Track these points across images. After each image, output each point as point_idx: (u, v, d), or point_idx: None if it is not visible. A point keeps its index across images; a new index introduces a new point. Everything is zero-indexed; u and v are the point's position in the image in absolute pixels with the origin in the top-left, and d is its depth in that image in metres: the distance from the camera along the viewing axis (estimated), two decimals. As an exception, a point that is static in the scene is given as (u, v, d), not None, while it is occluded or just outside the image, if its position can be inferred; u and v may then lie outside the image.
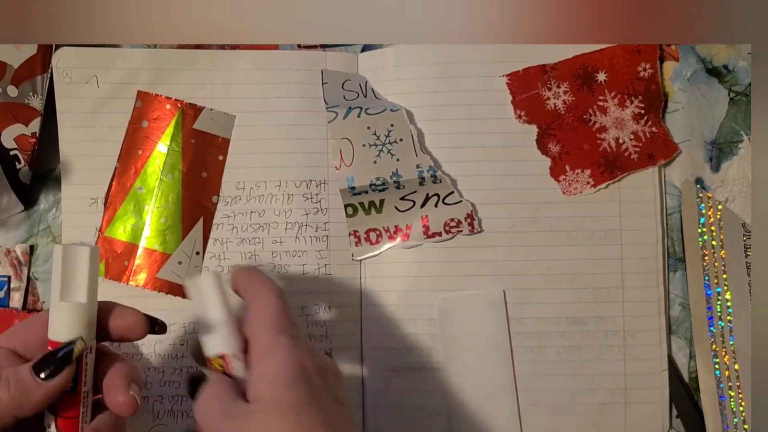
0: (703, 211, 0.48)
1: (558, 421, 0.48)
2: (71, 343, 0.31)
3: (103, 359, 0.34)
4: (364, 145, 0.48)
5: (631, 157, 0.48)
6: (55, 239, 0.50)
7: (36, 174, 0.50)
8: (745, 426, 0.47)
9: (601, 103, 0.49)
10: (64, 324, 0.32)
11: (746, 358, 0.47)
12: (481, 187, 0.49)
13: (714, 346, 0.48)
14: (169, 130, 0.49)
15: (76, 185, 0.49)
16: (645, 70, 0.49)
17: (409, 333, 0.49)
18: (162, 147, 0.49)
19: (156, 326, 0.34)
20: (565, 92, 0.49)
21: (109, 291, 0.48)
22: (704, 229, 0.48)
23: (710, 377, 0.48)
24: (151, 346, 0.48)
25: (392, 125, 0.47)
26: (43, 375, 0.30)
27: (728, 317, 0.48)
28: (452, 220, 0.48)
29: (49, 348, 0.32)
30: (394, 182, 0.48)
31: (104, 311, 0.34)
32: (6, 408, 0.30)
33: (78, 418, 0.32)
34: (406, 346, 0.49)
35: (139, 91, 0.49)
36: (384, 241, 0.49)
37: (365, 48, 0.50)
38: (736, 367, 0.47)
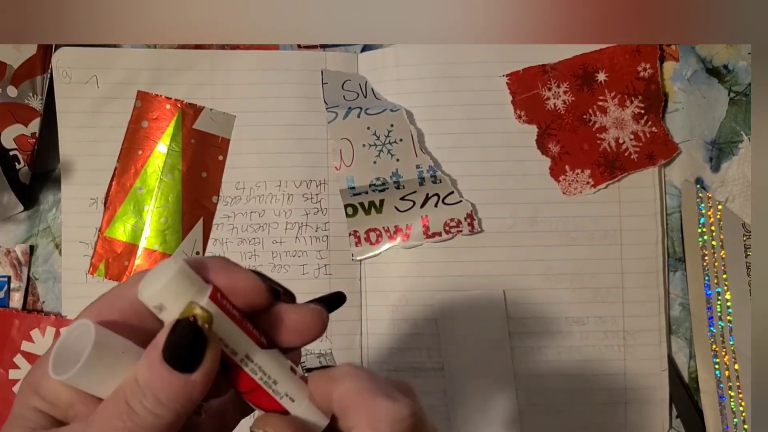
0: (703, 211, 0.48)
1: (558, 421, 0.48)
2: (190, 318, 0.21)
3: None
4: (364, 146, 0.48)
5: (631, 157, 0.48)
6: (55, 239, 0.50)
7: (36, 174, 0.50)
8: (745, 426, 0.47)
9: (601, 103, 0.49)
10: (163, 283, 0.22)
11: (746, 358, 0.47)
12: (481, 187, 0.49)
13: (714, 346, 0.48)
14: (169, 130, 0.49)
15: (76, 185, 0.49)
16: (645, 70, 0.49)
17: (409, 333, 0.49)
18: (162, 147, 0.49)
19: (280, 292, 0.25)
20: (565, 92, 0.49)
21: (109, 291, 0.48)
22: (704, 229, 0.48)
23: (710, 377, 0.48)
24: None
25: (392, 125, 0.47)
26: (183, 365, 0.21)
27: (728, 317, 0.48)
28: (452, 220, 0.48)
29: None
30: (394, 182, 0.48)
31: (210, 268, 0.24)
32: (172, 423, 0.21)
33: (258, 386, 0.23)
34: (406, 346, 0.49)
35: (139, 91, 0.49)
36: (384, 241, 0.49)
37: (365, 48, 0.50)
38: (736, 367, 0.47)
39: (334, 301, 0.27)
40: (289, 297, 0.25)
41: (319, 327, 0.24)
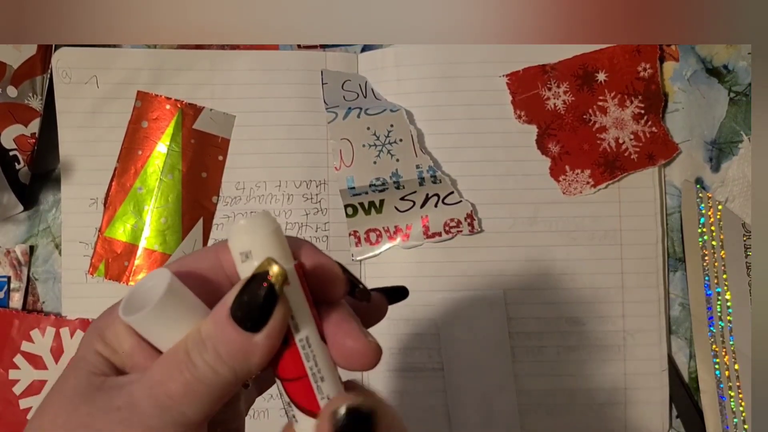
0: (703, 211, 0.48)
1: (558, 422, 0.48)
2: (264, 273, 0.21)
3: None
4: (363, 146, 0.48)
5: (631, 157, 0.48)
6: (55, 239, 0.50)
7: (36, 174, 0.50)
8: (745, 426, 0.47)
9: (601, 103, 0.49)
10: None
11: (746, 358, 0.47)
12: (481, 187, 0.49)
13: (714, 346, 0.48)
14: (169, 130, 0.49)
15: (76, 185, 0.49)
16: (645, 70, 0.49)
17: (409, 333, 0.49)
18: (162, 147, 0.49)
19: (357, 289, 0.24)
20: (565, 92, 0.49)
21: (109, 291, 0.48)
22: (704, 229, 0.48)
23: (710, 377, 0.48)
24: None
25: (392, 125, 0.47)
26: (249, 324, 0.20)
27: (728, 317, 0.48)
28: (452, 220, 0.48)
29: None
30: (394, 182, 0.48)
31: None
32: (229, 384, 0.21)
33: (306, 376, 0.22)
34: (406, 346, 0.49)
35: (138, 92, 0.49)
36: (384, 242, 0.49)
37: (365, 48, 0.50)
38: (736, 367, 0.47)
39: (397, 293, 0.27)
40: (364, 295, 0.24)
41: (369, 364, 0.23)
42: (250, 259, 0.21)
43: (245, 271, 0.21)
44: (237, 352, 0.20)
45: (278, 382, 0.23)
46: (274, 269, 0.20)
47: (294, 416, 0.23)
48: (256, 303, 0.20)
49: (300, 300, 0.22)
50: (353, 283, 0.24)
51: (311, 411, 0.22)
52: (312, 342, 0.22)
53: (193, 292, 0.22)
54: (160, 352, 0.22)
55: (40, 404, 0.22)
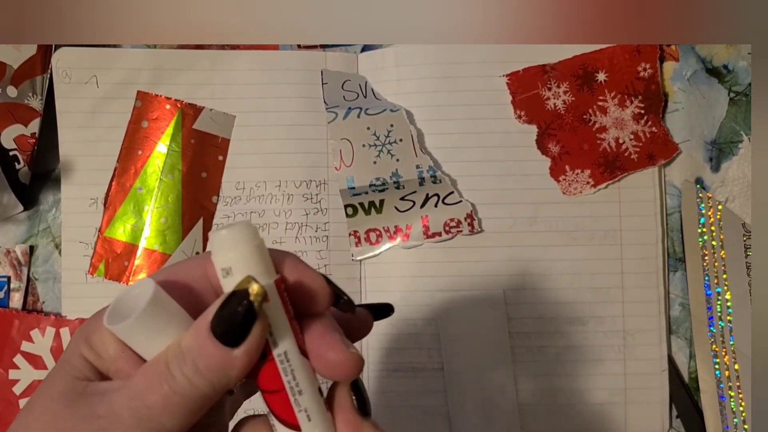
0: (703, 211, 0.48)
1: (558, 421, 0.48)
2: (242, 290, 0.21)
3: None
4: (363, 146, 0.48)
5: (631, 157, 0.48)
6: (55, 239, 0.50)
7: (36, 174, 0.50)
8: (745, 426, 0.47)
9: (601, 103, 0.49)
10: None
11: (746, 358, 0.47)
12: (481, 187, 0.49)
13: (714, 346, 0.48)
14: (169, 130, 0.49)
15: (76, 185, 0.49)
16: (645, 70, 0.49)
17: (409, 333, 0.49)
18: (162, 147, 0.49)
19: (341, 300, 0.25)
20: (565, 92, 0.49)
21: (109, 291, 0.48)
22: (704, 229, 0.48)
23: (710, 377, 0.48)
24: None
25: (392, 125, 0.47)
26: (228, 339, 0.21)
27: (728, 317, 0.48)
28: (452, 220, 0.48)
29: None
30: (394, 182, 0.48)
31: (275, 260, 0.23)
32: (207, 397, 0.22)
33: (283, 389, 0.23)
34: (406, 346, 0.49)
35: (138, 91, 0.49)
36: (384, 242, 0.49)
37: (365, 48, 0.50)
38: (736, 367, 0.47)
39: (382, 310, 0.27)
40: (348, 306, 0.25)
41: (350, 375, 0.23)
42: (231, 275, 0.22)
43: (227, 285, 0.22)
44: (215, 366, 0.21)
45: (260, 392, 0.23)
46: (254, 287, 0.21)
47: (274, 426, 0.23)
48: (235, 319, 0.21)
49: (280, 315, 0.22)
50: (338, 295, 0.24)
51: (289, 422, 0.23)
52: (291, 357, 0.22)
53: (178, 302, 0.22)
54: (144, 360, 0.22)
55: (25, 405, 0.22)
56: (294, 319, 0.23)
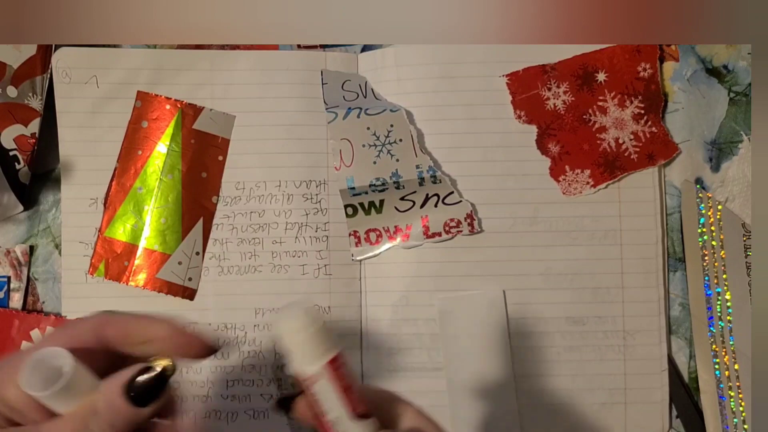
0: (703, 211, 0.48)
1: (558, 421, 0.48)
2: (160, 367, 0.26)
3: None
4: (363, 146, 0.48)
5: (631, 157, 0.48)
6: (54, 239, 0.50)
7: (36, 174, 0.50)
8: (745, 426, 0.47)
9: (601, 103, 0.49)
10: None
11: (746, 358, 0.47)
12: (481, 187, 0.49)
13: (714, 346, 0.48)
14: (169, 130, 0.49)
15: (76, 185, 0.49)
16: (645, 70, 0.49)
17: (409, 333, 0.49)
18: (162, 147, 0.49)
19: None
20: (565, 92, 0.49)
21: (108, 291, 0.48)
22: (704, 229, 0.48)
23: (710, 377, 0.48)
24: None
25: (392, 125, 0.47)
26: (139, 402, 0.25)
27: (728, 317, 0.48)
28: (452, 220, 0.48)
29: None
30: (394, 182, 0.48)
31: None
32: None
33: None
34: (406, 346, 0.49)
35: (138, 92, 0.49)
36: (384, 242, 0.49)
37: (365, 48, 0.50)
38: (736, 367, 0.47)
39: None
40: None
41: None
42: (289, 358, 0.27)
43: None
44: (128, 422, 0.25)
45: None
46: (167, 363, 0.26)
47: None
48: (149, 389, 0.25)
49: (329, 392, 0.27)
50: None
51: None
52: (342, 421, 0.27)
53: (81, 359, 0.26)
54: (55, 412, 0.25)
55: None
56: (349, 390, 0.27)
